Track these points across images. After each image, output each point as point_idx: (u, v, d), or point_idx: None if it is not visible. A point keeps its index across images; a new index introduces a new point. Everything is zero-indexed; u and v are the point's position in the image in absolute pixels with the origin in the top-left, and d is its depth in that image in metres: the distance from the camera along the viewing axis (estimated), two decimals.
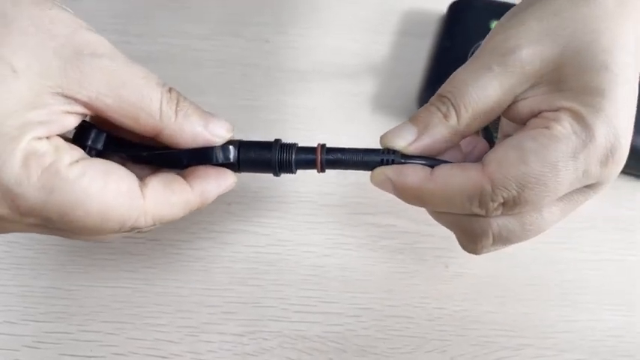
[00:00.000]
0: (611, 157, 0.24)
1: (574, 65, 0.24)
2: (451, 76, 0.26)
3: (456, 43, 0.43)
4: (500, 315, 0.35)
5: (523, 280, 0.36)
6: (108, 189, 0.23)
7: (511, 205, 0.25)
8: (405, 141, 0.26)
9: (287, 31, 0.46)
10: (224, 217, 0.37)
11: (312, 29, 0.46)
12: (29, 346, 0.33)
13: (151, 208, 0.24)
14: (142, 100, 0.24)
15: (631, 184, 0.40)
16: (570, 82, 0.24)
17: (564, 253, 0.37)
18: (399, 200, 0.39)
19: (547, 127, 0.24)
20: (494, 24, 0.43)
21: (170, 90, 0.25)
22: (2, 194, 0.22)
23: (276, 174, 0.27)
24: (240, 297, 0.35)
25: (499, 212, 0.25)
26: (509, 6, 0.43)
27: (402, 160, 0.26)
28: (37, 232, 0.24)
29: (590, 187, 0.26)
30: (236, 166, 0.27)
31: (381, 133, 0.27)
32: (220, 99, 0.42)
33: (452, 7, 0.46)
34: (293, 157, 0.27)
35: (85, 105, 0.23)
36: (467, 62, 0.26)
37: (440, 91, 0.26)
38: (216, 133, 0.26)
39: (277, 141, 0.27)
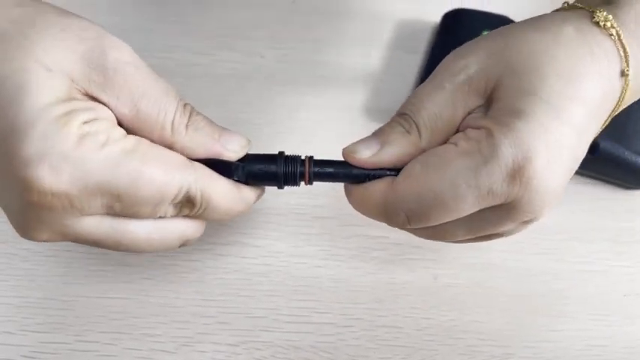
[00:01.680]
0: (519, 176, 0.24)
1: (507, 86, 0.25)
2: (411, 94, 0.27)
3: (448, 54, 0.44)
4: (487, 325, 0.36)
5: (509, 291, 0.37)
6: (163, 155, 0.24)
7: (416, 220, 0.26)
8: (369, 151, 0.26)
9: (281, 46, 0.47)
10: (218, 230, 0.38)
11: (306, 43, 0.47)
12: (27, 357, 0.34)
13: (201, 177, 0.25)
14: (158, 114, 0.24)
15: (616, 196, 0.41)
16: (499, 102, 0.25)
17: (550, 264, 0.38)
18: None
19: (454, 144, 0.25)
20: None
21: (185, 105, 0.25)
22: (69, 175, 0.22)
23: (281, 187, 0.28)
24: (234, 308, 0.36)
25: (405, 226, 0.26)
26: (502, 17, 0.44)
27: (389, 173, 0.27)
28: (104, 231, 0.24)
29: (502, 209, 0.25)
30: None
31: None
32: (216, 112, 0.42)
33: (445, 18, 0.47)
34: (298, 169, 0.27)
35: (108, 107, 0.24)
36: (426, 81, 0.27)
37: (401, 108, 0.27)
38: (229, 147, 0.26)
39: (281, 154, 0.28)
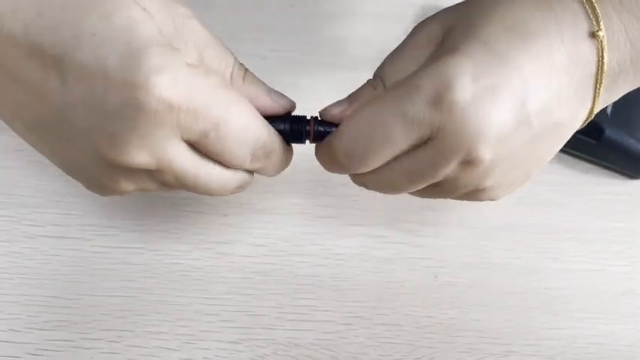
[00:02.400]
0: (440, 103, 0.24)
1: (455, 32, 0.26)
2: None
3: None
4: (486, 323, 0.37)
5: (508, 289, 0.38)
6: (246, 100, 0.26)
7: (355, 159, 0.27)
8: (339, 108, 0.28)
9: (282, 48, 0.47)
10: (221, 228, 0.39)
11: (307, 45, 0.48)
12: (32, 354, 0.34)
13: (273, 132, 0.28)
14: (220, 64, 0.27)
15: (614, 196, 0.42)
16: (441, 45, 0.27)
17: (548, 263, 0.39)
18: (390, 211, 0.41)
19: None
20: None
21: (241, 64, 0.28)
22: (185, 89, 0.23)
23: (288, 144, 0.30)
24: (237, 306, 0.36)
25: (348, 168, 0.28)
26: None
27: None
28: (190, 163, 0.26)
29: (432, 144, 0.25)
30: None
31: None
32: None
33: None
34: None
35: None
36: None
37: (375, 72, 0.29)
38: (280, 102, 0.29)
39: (288, 114, 0.29)
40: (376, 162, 0.27)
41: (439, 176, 0.26)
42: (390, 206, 0.40)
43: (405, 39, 0.29)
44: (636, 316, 0.37)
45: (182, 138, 0.25)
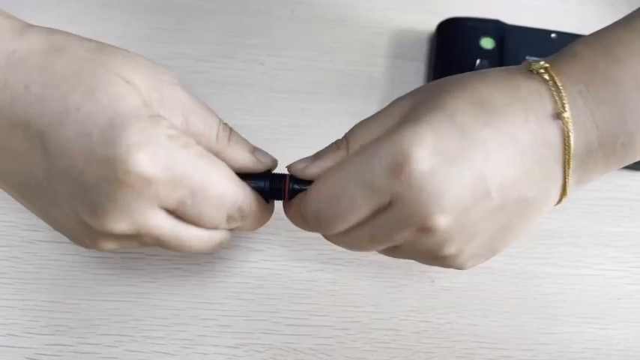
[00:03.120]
0: (398, 172, 0.25)
1: (421, 104, 0.27)
2: None
3: (447, 63, 0.45)
4: (483, 327, 0.37)
5: (505, 294, 0.38)
6: (224, 167, 0.27)
7: (323, 222, 0.28)
8: (302, 165, 0.29)
9: (281, 53, 0.48)
10: None
11: (306, 51, 0.48)
12: (31, 359, 0.34)
13: (250, 193, 0.28)
14: (205, 126, 0.28)
15: (609, 202, 0.42)
16: (407, 116, 0.27)
17: (544, 268, 0.39)
18: None
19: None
20: (483, 41, 0.45)
21: (225, 124, 0.29)
22: (163, 163, 0.25)
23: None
24: (235, 310, 0.37)
25: (317, 229, 0.30)
26: (495, 21, 0.45)
27: None
28: (169, 228, 0.27)
29: (392, 210, 0.26)
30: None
31: None
32: None
33: (440, 27, 0.48)
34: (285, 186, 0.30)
35: None
36: None
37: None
38: (262, 160, 0.30)
39: (269, 172, 0.30)
40: (342, 226, 0.28)
41: (398, 240, 0.28)
42: None
43: (379, 111, 0.30)
44: (632, 321, 0.38)
45: (160, 206, 0.26)
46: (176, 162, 0.25)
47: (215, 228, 0.28)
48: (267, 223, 0.39)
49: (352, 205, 0.27)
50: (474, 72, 0.29)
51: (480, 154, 0.26)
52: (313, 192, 0.28)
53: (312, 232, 0.30)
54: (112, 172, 0.24)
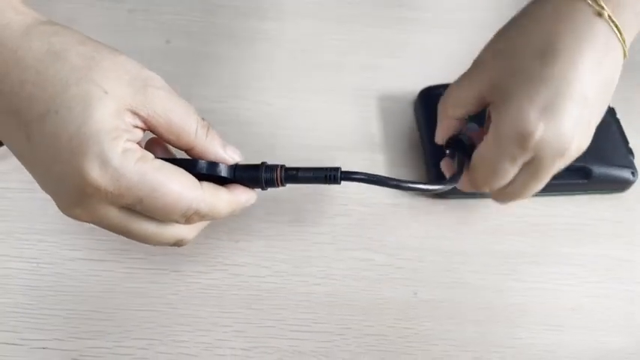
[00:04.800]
0: (525, 142, 0.35)
1: (503, 74, 0.36)
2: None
3: (429, 131, 0.46)
4: (457, 333, 0.43)
5: (476, 305, 0.44)
6: (179, 177, 0.31)
7: (492, 184, 0.39)
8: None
9: (286, 95, 0.54)
10: (233, 252, 0.45)
11: (307, 93, 0.54)
12: (75, 359, 0.40)
13: (208, 197, 0.32)
14: (185, 123, 0.32)
15: (568, 227, 0.48)
16: (500, 89, 0.36)
17: (510, 283, 0.45)
18: (377, 238, 0.47)
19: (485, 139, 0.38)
20: None
21: (203, 119, 0.33)
22: (111, 175, 0.29)
23: (264, 188, 0.36)
24: (247, 318, 0.42)
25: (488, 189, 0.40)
26: None
27: (343, 176, 0.35)
28: (117, 224, 0.31)
29: (536, 161, 0.36)
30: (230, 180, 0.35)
31: None
32: None
33: (421, 95, 0.52)
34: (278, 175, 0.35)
35: (144, 121, 0.31)
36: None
37: None
38: (230, 155, 0.34)
39: (263, 163, 0.35)
40: (505, 180, 0.38)
41: (544, 170, 0.37)
42: (378, 233, 0.47)
43: (461, 80, 0.40)
44: (584, 328, 0.44)
45: (112, 205, 0.30)
46: (124, 174, 0.29)
47: (173, 225, 0.33)
48: (274, 244, 0.46)
49: (504, 170, 0.37)
50: (524, 17, 0.37)
51: (562, 82, 0.34)
52: (473, 173, 0.39)
53: (481, 191, 0.40)
54: (71, 174, 0.29)
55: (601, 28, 0.34)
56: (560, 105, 0.34)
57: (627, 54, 0.35)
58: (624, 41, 0.35)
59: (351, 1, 0.61)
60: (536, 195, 0.47)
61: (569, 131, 0.34)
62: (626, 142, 0.49)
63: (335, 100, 0.54)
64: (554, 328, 0.44)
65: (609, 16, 0.34)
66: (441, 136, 0.43)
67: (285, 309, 0.43)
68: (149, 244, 0.34)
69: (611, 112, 0.50)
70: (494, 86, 0.37)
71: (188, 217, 0.32)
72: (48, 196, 0.46)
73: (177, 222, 0.32)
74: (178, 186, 0.31)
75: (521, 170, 0.37)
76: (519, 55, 0.35)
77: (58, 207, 0.32)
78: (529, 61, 0.35)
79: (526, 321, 0.44)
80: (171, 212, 0.31)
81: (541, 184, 0.38)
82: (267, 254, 0.45)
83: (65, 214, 0.32)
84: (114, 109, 0.29)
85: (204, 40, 0.57)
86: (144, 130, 0.32)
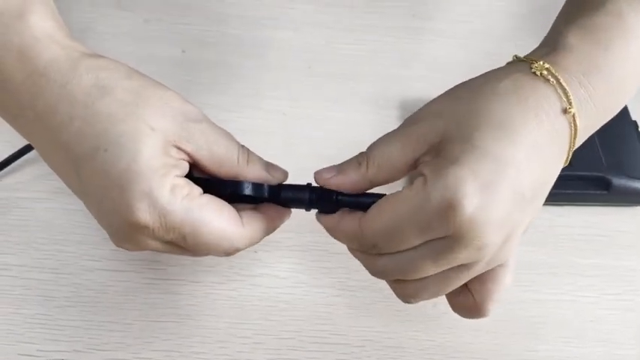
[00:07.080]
0: (451, 215, 0.28)
1: (449, 138, 0.30)
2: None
3: None
4: (476, 345, 0.43)
5: (494, 317, 0.43)
6: (224, 216, 0.32)
7: (380, 249, 0.32)
8: (327, 175, 0.33)
9: (301, 105, 0.54)
10: (252, 263, 0.45)
11: (321, 102, 0.54)
12: None
13: (248, 233, 0.33)
14: (226, 153, 0.33)
15: (585, 237, 0.48)
16: (441, 152, 0.30)
17: (528, 294, 0.45)
18: None
19: (401, 190, 0.31)
20: None
21: (243, 146, 0.34)
22: (158, 214, 0.30)
23: (308, 210, 0.35)
24: (265, 330, 0.42)
25: (374, 253, 0.33)
26: None
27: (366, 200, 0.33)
28: (165, 251, 0.32)
29: (447, 240, 0.29)
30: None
31: None
32: None
33: None
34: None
35: (189, 155, 0.32)
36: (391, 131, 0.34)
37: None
38: (274, 175, 0.35)
39: (309, 184, 0.35)
40: (400, 248, 0.31)
41: (460, 261, 0.30)
42: None
43: (397, 129, 0.33)
44: (602, 340, 0.44)
45: (158, 240, 0.31)
46: (170, 213, 0.30)
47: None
48: (291, 255, 0.46)
49: (408, 238, 0.30)
50: (478, 82, 0.32)
51: (512, 169, 0.29)
52: (370, 227, 0.31)
53: (354, 250, 0.35)
54: (120, 211, 0.30)
55: (564, 128, 0.31)
56: (501, 189, 0.29)
57: (569, 160, 0.33)
58: (574, 145, 0.32)
59: (365, 11, 0.61)
60: (554, 204, 0.47)
61: (499, 220, 0.29)
62: None
63: (350, 109, 0.54)
64: (572, 340, 0.44)
65: (573, 116, 0.31)
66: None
67: (304, 320, 0.43)
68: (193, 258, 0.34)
69: (633, 125, 0.51)
70: (445, 139, 0.31)
71: (227, 253, 0.33)
72: (67, 206, 0.46)
73: (215, 256, 0.34)
74: (222, 224, 0.32)
75: (421, 246, 0.31)
76: (474, 129, 0.30)
77: (111, 239, 0.33)
78: (486, 130, 0.30)
79: (544, 333, 0.44)
80: (213, 251, 0.32)
81: (433, 270, 0.31)
82: (285, 265, 0.45)
83: (116, 246, 0.33)
84: (161, 146, 0.30)
85: (219, 50, 0.57)
86: (189, 162, 0.32)
